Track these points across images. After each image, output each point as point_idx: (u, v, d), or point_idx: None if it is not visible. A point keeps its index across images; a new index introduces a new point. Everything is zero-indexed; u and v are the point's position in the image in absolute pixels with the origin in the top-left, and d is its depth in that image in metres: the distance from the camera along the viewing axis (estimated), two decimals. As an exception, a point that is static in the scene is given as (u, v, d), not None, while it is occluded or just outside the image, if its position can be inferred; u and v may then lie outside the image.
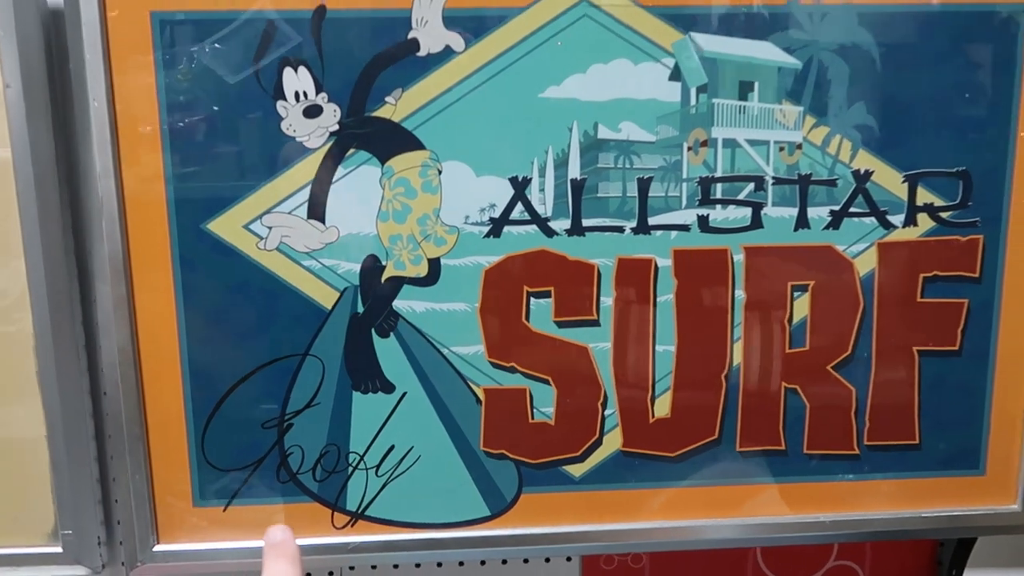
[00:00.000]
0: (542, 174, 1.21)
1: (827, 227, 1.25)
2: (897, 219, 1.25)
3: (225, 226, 1.20)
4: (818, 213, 1.24)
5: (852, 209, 1.24)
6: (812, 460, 1.31)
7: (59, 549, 1.26)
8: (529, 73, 1.18)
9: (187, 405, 1.24)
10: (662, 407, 1.28)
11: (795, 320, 1.27)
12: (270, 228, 1.20)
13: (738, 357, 1.28)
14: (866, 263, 1.26)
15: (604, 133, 1.21)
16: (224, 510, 1.27)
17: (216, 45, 1.15)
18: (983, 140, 1.24)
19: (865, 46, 1.20)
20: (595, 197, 1.22)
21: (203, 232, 1.20)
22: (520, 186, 1.21)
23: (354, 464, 1.27)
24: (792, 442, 1.30)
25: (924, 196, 1.24)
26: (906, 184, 1.24)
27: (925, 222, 1.25)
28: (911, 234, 1.26)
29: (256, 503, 1.27)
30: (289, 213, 1.20)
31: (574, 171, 1.21)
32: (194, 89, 1.16)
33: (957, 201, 1.25)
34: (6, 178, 1.15)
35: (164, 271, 1.20)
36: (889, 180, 1.24)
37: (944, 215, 1.25)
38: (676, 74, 1.20)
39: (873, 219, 1.25)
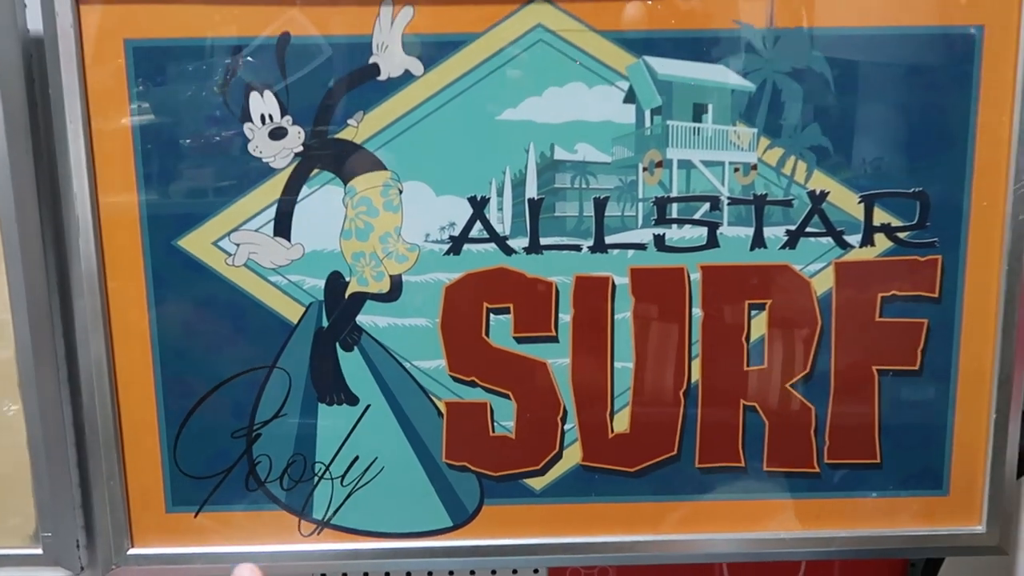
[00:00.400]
0: (500, 194, 1.24)
1: (783, 247, 1.26)
2: (854, 239, 1.26)
3: (195, 243, 1.25)
4: (774, 233, 1.26)
5: (808, 229, 1.26)
6: (772, 477, 1.32)
7: (39, 551, 1.32)
8: (486, 96, 1.22)
9: (160, 414, 1.29)
10: (621, 422, 1.31)
11: (753, 338, 1.29)
12: (238, 245, 1.25)
13: (696, 374, 1.29)
14: (823, 282, 1.27)
15: (560, 154, 1.24)
16: (195, 516, 1.32)
17: (186, 70, 1.21)
18: (940, 161, 1.24)
19: (818, 69, 1.22)
20: (552, 216, 1.25)
21: (174, 248, 1.25)
22: (479, 205, 1.24)
23: (320, 474, 1.31)
24: (751, 459, 1.31)
25: (881, 216, 1.25)
26: (862, 204, 1.25)
27: (882, 242, 1.26)
28: (868, 254, 1.27)
29: (226, 510, 1.32)
30: (256, 231, 1.25)
31: (531, 191, 1.24)
32: (165, 112, 1.21)
33: (915, 222, 1.26)
34: (-13, 197, 1.22)
35: (137, 286, 1.25)
36: (845, 200, 1.25)
37: (902, 235, 1.26)
38: (631, 96, 1.22)
39: (830, 239, 1.26)
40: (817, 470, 1.32)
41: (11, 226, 1.22)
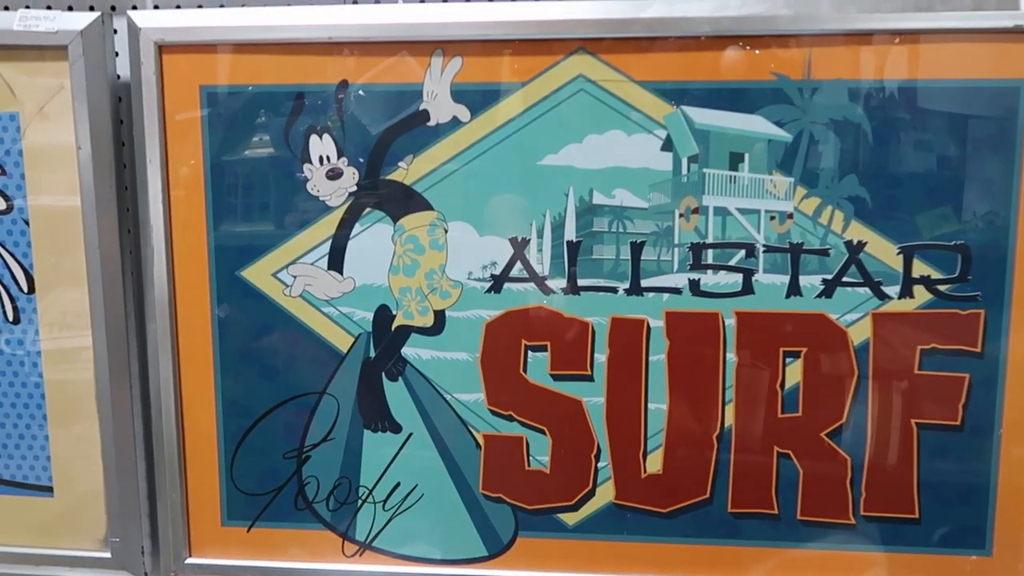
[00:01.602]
0: (540, 236, 1.30)
1: (819, 295, 1.27)
2: (892, 290, 1.26)
3: (256, 273, 1.34)
4: (810, 281, 1.27)
5: (845, 279, 1.26)
6: (806, 526, 1.31)
7: (108, 555, 1.42)
8: (529, 142, 1.28)
9: (219, 433, 1.38)
10: (654, 463, 1.33)
11: (788, 385, 1.29)
12: (295, 277, 1.34)
13: (730, 419, 1.31)
14: (860, 332, 1.27)
15: (599, 199, 1.28)
16: (248, 531, 1.40)
17: (253, 115, 1.31)
18: (983, 213, 1.23)
19: (856, 120, 1.23)
20: (590, 259, 1.30)
21: (237, 278, 1.35)
22: (520, 246, 1.30)
23: (363, 497, 1.38)
24: (785, 507, 1.31)
25: (920, 268, 1.25)
26: (901, 256, 1.25)
27: (922, 294, 1.25)
28: (907, 306, 1.26)
29: (276, 527, 1.39)
30: (312, 264, 1.33)
31: (570, 234, 1.29)
32: (233, 153, 1.32)
33: (956, 274, 1.25)
34: (75, 225, 1.34)
35: (203, 312, 1.35)
36: (883, 251, 1.25)
37: (942, 288, 1.25)
38: (668, 145, 1.26)
39: (867, 289, 1.26)
40: (852, 522, 1.30)
41: (94, 254, 1.34)
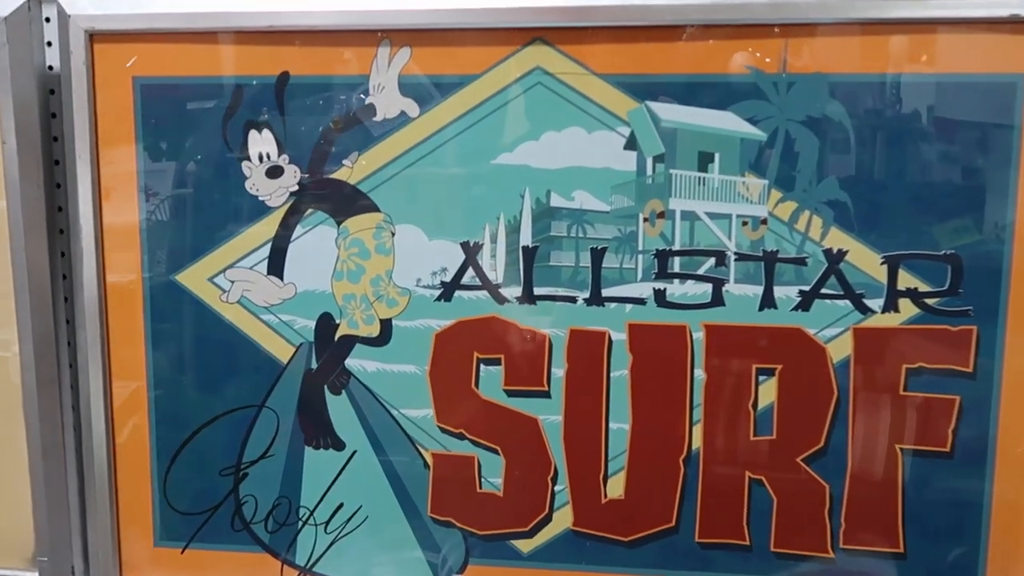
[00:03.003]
0: (494, 240, 1.20)
1: (796, 308, 1.16)
2: (875, 303, 1.15)
3: (192, 278, 1.26)
4: (786, 293, 1.16)
5: (824, 290, 1.15)
6: (780, 559, 1.21)
7: (35, 574, 1.34)
8: (482, 139, 1.18)
9: (152, 447, 1.29)
10: (615, 487, 1.23)
11: (761, 405, 1.19)
12: (232, 282, 1.25)
13: (698, 441, 1.20)
14: (840, 349, 1.16)
15: (557, 201, 1.18)
16: (182, 552, 1.31)
17: (189, 108, 1.23)
18: (975, 220, 1.12)
19: (837, 117, 1.12)
20: (547, 265, 1.20)
21: (172, 283, 1.26)
22: (472, 251, 1.20)
23: (304, 519, 1.28)
24: (758, 537, 1.21)
25: (906, 280, 1.14)
26: (885, 266, 1.14)
27: (908, 308, 1.15)
28: (892, 320, 1.15)
29: (212, 548, 1.30)
30: (250, 268, 1.25)
31: (526, 238, 1.19)
32: (168, 149, 1.24)
33: (945, 287, 1.14)
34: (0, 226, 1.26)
35: (135, 318, 1.27)
36: (865, 261, 1.14)
37: (930, 302, 1.14)
38: (632, 143, 1.16)
39: (848, 302, 1.15)
40: (831, 555, 1.19)
41: (20, 256, 1.25)
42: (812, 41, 1.12)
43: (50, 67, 1.26)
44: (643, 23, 1.13)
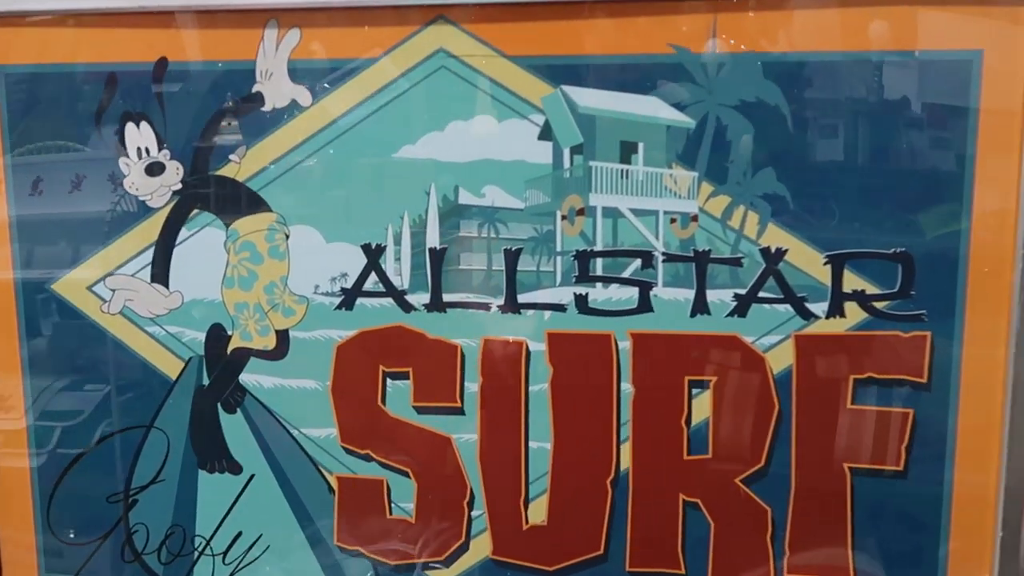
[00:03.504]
0: (397, 242, 1.08)
1: (731, 314, 1.05)
2: (819, 308, 1.03)
3: (69, 287, 1.14)
4: (720, 297, 1.05)
5: (762, 294, 1.04)
6: (719, 590, 1.10)
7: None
8: (382, 131, 1.06)
9: (33, 473, 1.18)
10: (537, 512, 1.11)
11: (695, 422, 1.07)
12: (113, 291, 1.13)
13: (626, 461, 1.09)
14: (781, 359, 1.05)
15: (466, 198, 1.07)
16: (69, 586, 1.20)
17: (61, 99, 1.11)
18: (929, 215, 1.01)
19: (773, 102, 1.00)
20: (457, 269, 1.08)
21: (48, 294, 1.14)
22: (374, 254, 1.09)
23: (200, 548, 1.17)
24: (694, 565, 1.09)
25: (853, 281, 1.02)
26: (829, 266, 1.02)
27: (855, 313, 1.03)
28: (837, 326, 1.04)
29: (101, 582, 1.20)
30: (132, 276, 1.13)
31: (433, 239, 1.08)
32: (39, 144, 1.12)
33: (896, 289, 1.02)
34: None
35: (10, 331, 1.15)
36: (807, 261, 1.03)
37: (879, 305, 1.02)
38: (547, 133, 1.04)
39: (788, 307, 1.04)
40: (774, 585, 1.09)
41: None
42: (744, 16, 1.00)
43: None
44: (557, -2, 1.01)
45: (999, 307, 1.00)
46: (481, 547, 1.13)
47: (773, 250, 1.03)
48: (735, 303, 1.04)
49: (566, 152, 1.05)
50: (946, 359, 1.02)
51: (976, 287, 1.01)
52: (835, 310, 1.03)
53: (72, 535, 1.19)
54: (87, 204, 1.12)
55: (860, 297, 1.03)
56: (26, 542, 1.19)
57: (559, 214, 1.06)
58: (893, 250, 1.01)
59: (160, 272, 1.12)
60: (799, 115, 1.00)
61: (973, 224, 1.00)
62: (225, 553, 1.16)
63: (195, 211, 1.11)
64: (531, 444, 1.10)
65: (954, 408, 1.03)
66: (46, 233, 1.13)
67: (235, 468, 1.15)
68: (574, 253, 1.06)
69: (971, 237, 1.00)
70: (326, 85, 1.06)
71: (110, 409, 1.16)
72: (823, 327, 1.04)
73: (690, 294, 1.05)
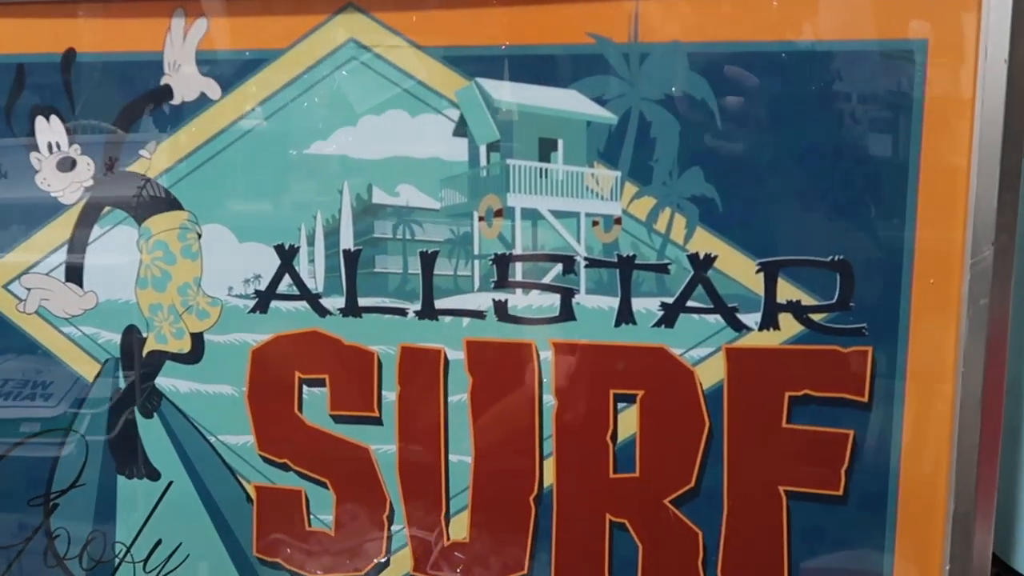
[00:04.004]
0: (311, 243, 1.03)
1: (658, 324, 0.97)
2: (751, 319, 0.96)
3: (-15, 285, 1.12)
4: (646, 306, 0.98)
5: (690, 303, 0.97)
6: (648, 615, 1.03)
7: None
8: (292, 125, 1.01)
9: (-45, 473, 1.16)
10: (459, 528, 1.06)
11: (621, 438, 1.01)
12: (29, 290, 1.10)
13: (549, 477, 1.03)
14: (711, 373, 0.98)
15: (380, 197, 1.01)
16: (-7, 590, 1.18)
17: (-27, 92, 1.08)
18: (869, 218, 0.92)
19: (700, 95, 0.93)
20: (372, 272, 1.03)
21: (-35, 290, 1.12)
22: (287, 255, 1.04)
23: (121, 556, 1.14)
24: (622, 589, 1.03)
25: (787, 291, 0.94)
26: (761, 274, 0.95)
27: (790, 325, 0.95)
28: (771, 340, 0.96)
29: (25, 586, 1.17)
30: (47, 275, 1.10)
31: (347, 240, 1.02)
32: (-48, 138, 1.09)
33: (834, 300, 0.94)
34: None
35: (-72, 329, 1.13)
36: (738, 268, 0.95)
37: (816, 318, 0.94)
38: (462, 128, 0.98)
39: (718, 317, 0.96)
40: (706, 612, 1.02)
41: None
42: (667, 3, 0.92)
43: None
44: (470, -16, 0.95)
45: (946, 320, 0.92)
46: (402, 563, 1.08)
47: (702, 256, 0.95)
48: (662, 312, 0.97)
49: (482, 149, 0.98)
50: (888, 377, 0.94)
51: (921, 298, 0.92)
52: (768, 322, 0.95)
53: (-6, 538, 1.17)
54: (2, 200, 1.09)
55: (795, 308, 0.95)
56: (-49, 543, 1.18)
57: (476, 215, 0.99)
58: (831, 257, 0.93)
59: (74, 271, 1.09)
60: (729, 110, 0.92)
61: (918, 229, 0.91)
62: (146, 560, 1.13)
63: (107, 208, 1.07)
64: (451, 457, 1.05)
65: (897, 429, 0.95)
66: (-38, 230, 1.11)
67: (153, 474, 1.11)
68: (492, 257, 1.00)
69: (915, 244, 0.91)
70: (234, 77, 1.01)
71: (30, 411, 1.13)
72: (756, 340, 0.96)
73: (614, 302, 0.98)
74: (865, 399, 0.95)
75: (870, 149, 0.91)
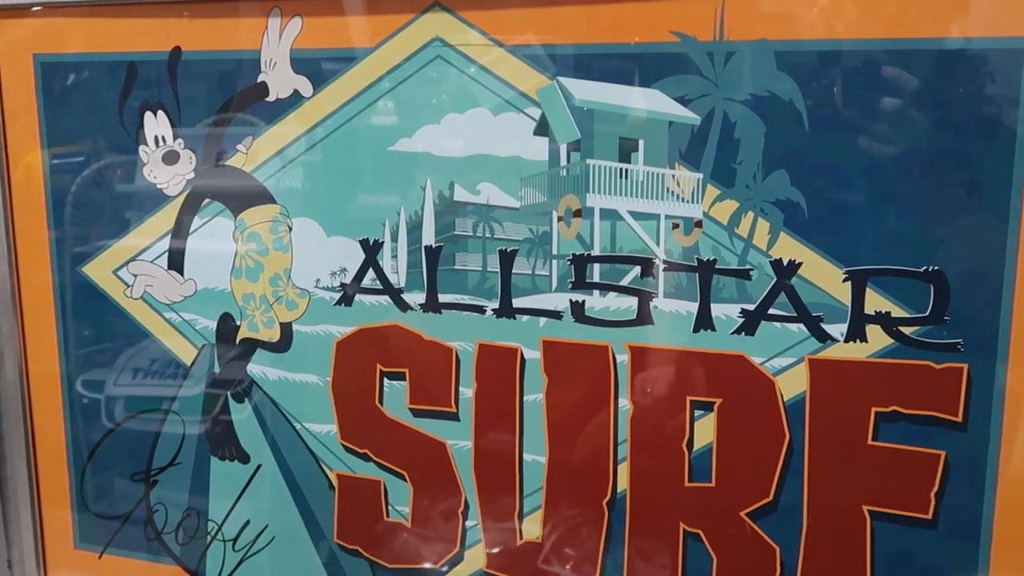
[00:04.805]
0: (394, 238, 1.05)
1: (738, 331, 0.94)
2: (837, 329, 0.91)
3: (97, 270, 1.18)
4: (725, 312, 0.95)
5: (772, 311, 0.93)
6: (721, 630, 1.00)
7: (-27, 565, 1.32)
8: (379, 123, 1.03)
9: (68, 447, 1.23)
10: (531, 528, 1.05)
11: (697, 446, 0.98)
12: (135, 276, 1.16)
13: (623, 482, 1.01)
14: (793, 384, 0.94)
15: (461, 195, 1.01)
16: (99, 557, 1.25)
17: (88, 87, 1.13)
18: (967, 227, 0.86)
19: (787, 96, 0.89)
20: (452, 269, 1.03)
21: (79, 275, 1.19)
22: (371, 250, 1.06)
23: (212, 533, 1.19)
24: (695, 601, 1.01)
25: (877, 302, 0.90)
26: (848, 283, 0.90)
27: (879, 338, 0.90)
28: (858, 352, 0.91)
29: (127, 555, 1.23)
30: (151, 262, 1.15)
31: (428, 237, 1.03)
32: (71, 132, 1.15)
33: (927, 313, 0.89)
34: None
35: (47, 310, 1.20)
36: (824, 276, 0.91)
37: (908, 331, 0.89)
38: (543, 128, 0.97)
39: (802, 327, 0.92)
40: (781, 631, 0.98)
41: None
42: (754, 0, 0.89)
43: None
44: (554, -18, 0.94)
45: (1050, 339, 0.86)
46: (475, 559, 1.08)
47: (785, 262, 0.92)
48: (742, 319, 0.94)
49: (563, 148, 0.97)
50: (985, 396, 0.88)
51: (1023, 314, 0.86)
52: (855, 333, 0.91)
53: (102, 509, 1.23)
54: (113, 190, 1.15)
55: (884, 320, 0.90)
56: (64, 512, 1.25)
57: (555, 215, 0.98)
58: (924, 268, 0.88)
59: (176, 259, 1.14)
60: (817, 111, 0.88)
61: (1021, 240, 0.85)
62: (235, 540, 1.18)
63: (206, 200, 1.11)
64: (526, 456, 1.04)
65: (994, 452, 0.89)
66: (77, 217, 1.17)
67: (243, 457, 1.15)
68: (570, 257, 0.99)
69: (1019, 256, 0.85)
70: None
71: (134, 391, 1.19)
72: (841, 351, 0.92)
73: (693, 307, 0.96)
74: (959, 419, 0.89)
75: (969, 153, 0.85)
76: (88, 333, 1.20)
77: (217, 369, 1.15)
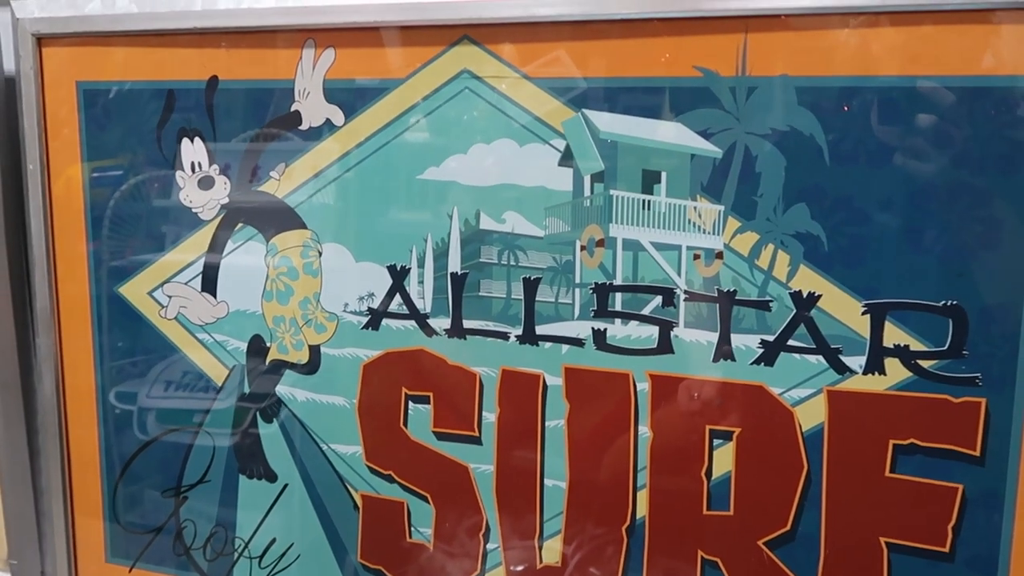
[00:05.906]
0: (421, 264, 1.07)
1: (757, 361, 0.95)
2: (855, 362, 0.92)
3: (133, 291, 1.21)
4: (745, 342, 0.96)
5: (791, 342, 0.94)
6: (738, 658, 1.01)
7: (8, 574, 1.35)
8: (408, 151, 1.05)
9: (101, 461, 1.26)
10: (551, 552, 1.07)
11: (716, 475, 0.99)
12: (170, 297, 1.19)
13: (643, 509, 1.02)
14: (812, 415, 0.95)
15: (487, 223, 1.04)
16: (130, 571, 1.27)
17: (128, 114, 1.17)
18: (985, 261, 0.87)
19: (808, 130, 0.90)
20: (477, 295, 1.05)
21: (115, 295, 1.22)
22: (399, 276, 1.08)
23: (239, 550, 1.21)
24: (712, 629, 1.02)
25: (895, 335, 0.91)
26: (867, 316, 0.91)
27: (897, 371, 0.91)
28: (876, 384, 0.92)
29: (156, 570, 1.26)
30: (186, 284, 1.18)
31: (454, 264, 1.05)
32: (111, 156, 1.19)
33: (945, 347, 0.89)
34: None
35: (84, 329, 1.24)
36: (843, 309, 0.92)
37: (926, 364, 0.90)
38: (567, 158, 1.00)
39: (821, 358, 0.93)
40: (798, 662, 0.99)
41: (-18, 259, 1.26)
42: (776, 37, 0.90)
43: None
44: (581, 17, 0.96)
45: (1069, 376, 0.86)
46: (496, 581, 1.10)
47: (805, 294, 0.93)
48: (762, 350, 0.95)
49: (586, 179, 0.99)
50: (1003, 430, 0.89)
51: (1042, 351, 0.87)
52: (874, 366, 0.92)
53: (133, 524, 1.26)
54: (150, 214, 1.18)
55: (903, 353, 0.91)
56: (96, 525, 1.28)
57: (578, 244, 1.00)
58: (943, 302, 0.89)
59: (209, 282, 1.17)
60: (837, 146, 0.90)
61: (1040, 277, 0.86)
62: (261, 557, 1.20)
63: (239, 225, 1.14)
64: (547, 481, 1.06)
65: (1013, 485, 0.89)
66: (116, 239, 1.20)
67: (271, 476, 1.18)
68: (592, 286, 1.01)
69: (1037, 292, 0.86)
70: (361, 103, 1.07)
71: (166, 408, 1.22)
72: (860, 384, 0.93)
73: (713, 337, 0.97)
74: (977, 453, 0.90)
75: (988, 188, 0.86)
76: (124, 349, 1.23)
77: (247, 389, 1.17)
